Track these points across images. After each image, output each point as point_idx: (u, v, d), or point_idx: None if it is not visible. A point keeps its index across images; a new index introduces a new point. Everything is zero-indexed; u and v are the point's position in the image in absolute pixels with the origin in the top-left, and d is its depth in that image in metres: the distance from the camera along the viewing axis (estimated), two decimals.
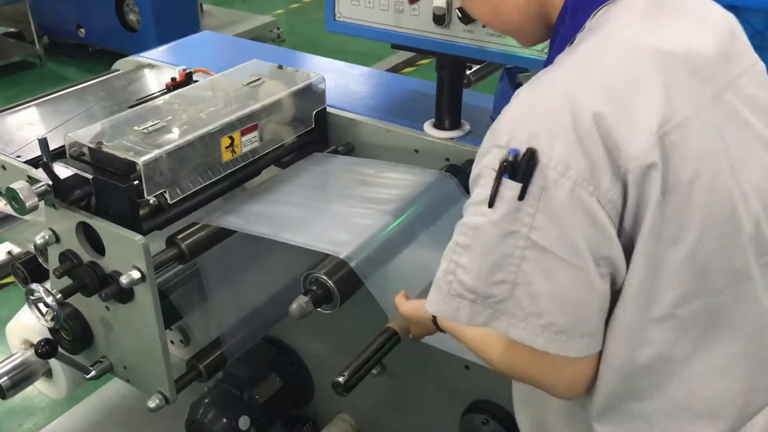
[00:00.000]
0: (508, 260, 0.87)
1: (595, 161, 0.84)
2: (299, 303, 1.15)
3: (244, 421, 2.02)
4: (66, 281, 1.34)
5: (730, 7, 1.77)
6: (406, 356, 1.81)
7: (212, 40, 2.24)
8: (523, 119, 0.88)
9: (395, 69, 5.11)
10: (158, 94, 1.74)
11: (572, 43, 0.94)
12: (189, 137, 1.35)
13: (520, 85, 1.55)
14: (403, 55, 5.24)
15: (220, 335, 1.53)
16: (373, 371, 2.00)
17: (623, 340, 0.90)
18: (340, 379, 1.12)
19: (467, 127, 1.61)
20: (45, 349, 1.34)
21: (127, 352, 1.44)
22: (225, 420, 2.00)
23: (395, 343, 1.21)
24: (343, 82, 1.87)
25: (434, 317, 1.17)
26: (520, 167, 0.84)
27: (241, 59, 2.09)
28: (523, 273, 0.86)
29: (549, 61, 0.98)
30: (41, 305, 1.29)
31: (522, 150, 0.85)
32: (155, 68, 1.94)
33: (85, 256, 1.35)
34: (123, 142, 1.31)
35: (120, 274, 1.29)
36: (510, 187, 0.85)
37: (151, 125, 1.36)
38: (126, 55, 2.03)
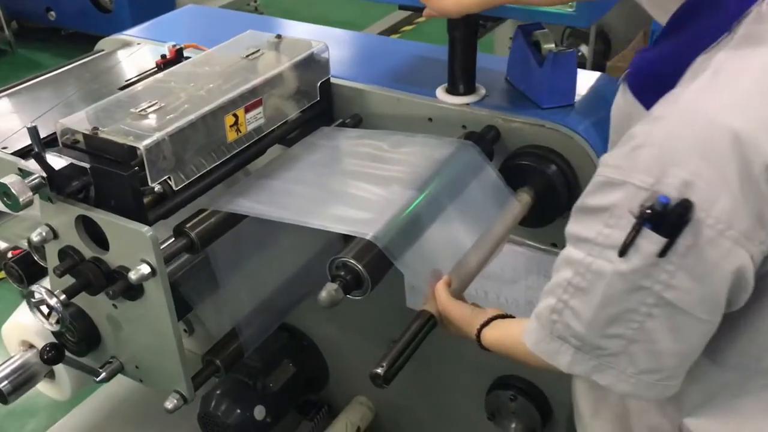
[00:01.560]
0: (630, 315, 0.78)
1: (760, 215, 0.72)
2: (328, 291, 1.06)
3: (259, 411, 1.95)
4: (67, 280, 1.24)
5: None
6: (432, 338, 1.73)
7: (197, 14, 2.12)
8: (675, 158, 0.73)
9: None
10: (150, 72, 1.62)
11: (715, 46, 0.79)
12: (191, 117, 1.24)
13: (537, 44, 1.46)
14: (386, 23, 5.12)
15: (235, 326, 1.44)
16: None
17: (755, 350, 0.84)
18: (379, 371, 1.04)
19: (482, 91, 1.52)
20: (51, 355, 1.25)
21: (139, 351, 1.35)
22: (239, 411, 1.93)
23: (433, 327, 1.13)
24: (343, 49, 1.77)
25: (478, 335, 1.10)
26: (669, 220, 0.72)
27: (230, 32, 1.97)
28: (646, 331, 0.78)
29: (664, 37, 0.87)
30: (44, 307, 1.20)
31: (673, 199, 0.72)
32: (142, 46, 1.82)
33: (87, 252, 1.25)
34: (120, 126, 1.20)
35: (127, 270, 1.19)
36: (652, 241, 0.74)
37: (149, 106, 1.26)
38: (100, 38, 1.91)
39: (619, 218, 0.77)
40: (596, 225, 0.80)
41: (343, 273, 1.09)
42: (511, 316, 1.14)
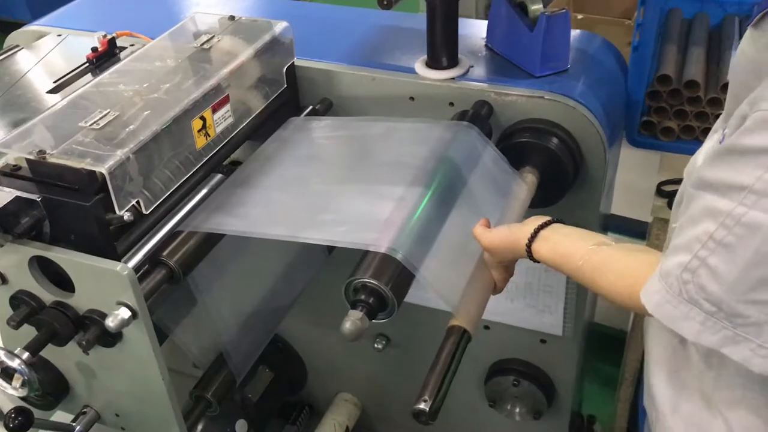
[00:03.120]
0: None
1: None
2: (353, 321, 0.92)
3: (241, 426, 1.80)
4: (24, 331, 1.05)
5: None
6: (414, 325, 1.62)
7: None
8: None
9: None
10: (81, 69, 1.40)
11: None
12: (155, 127, 1.05)
13: (523, 5, 1.33)
14: None
15: (222, 351, 1.28)
16: (377, 345, 1.82)
17: None
18: (423, 406, 0.90)
19: (467, 62, 1.38)
20: (18, 422, 1.06)
21: (118, 397, 1.17)
22: (220, 429, 1.77)
23: (468, 341, 1.00)
24: (300, 24, 1.58)
25: (529, 246, 1.00)
26: None
27: (162, 12, 1.76)
28: None
29: None
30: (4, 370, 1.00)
31: None
32: (64, 37, 1.57)
33: (47, 296, 1.06)
34: (73, 146, 1.00)
35: (101, 314, 1.01)
36: None
37: (101, 117, 1.06)
38: None
39: None
40: (756, 169, 0.69)
41: (363, 297, 0.95)
42: (555, 221, 1.04)
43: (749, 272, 0.70)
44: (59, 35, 1.59)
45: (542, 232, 1.02)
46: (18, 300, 1.07)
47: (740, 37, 1.66)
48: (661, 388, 0.99)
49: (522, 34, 1.32)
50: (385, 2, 1.27)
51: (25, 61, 1.49)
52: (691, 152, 1.59)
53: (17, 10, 4.08)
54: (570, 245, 0.98)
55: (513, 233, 1.04)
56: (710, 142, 0.95)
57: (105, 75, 1.20)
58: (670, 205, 1.56)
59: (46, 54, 1.52)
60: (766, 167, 0.68)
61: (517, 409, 1.70)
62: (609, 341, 2.07)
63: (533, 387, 1.65)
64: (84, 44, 1.45)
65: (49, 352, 1.13)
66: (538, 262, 1.02)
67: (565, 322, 1.56)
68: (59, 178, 0.99)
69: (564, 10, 1.29)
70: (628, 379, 1.78)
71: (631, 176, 1.77)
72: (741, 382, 0.87)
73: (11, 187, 1.01)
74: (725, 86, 1.51)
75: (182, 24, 1.36)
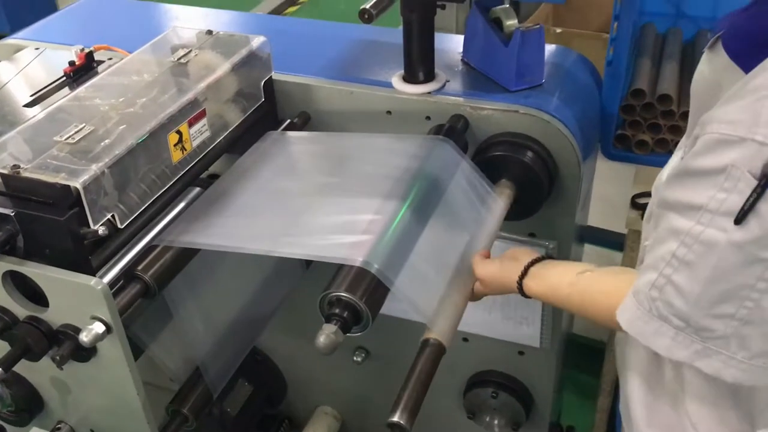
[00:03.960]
0: (745, 292, 0.70)
1: None
2: (327, 334, 0.92)
3: None
4: None
5: None
6: (393, 338, 1.62)
7: (97, 8, 1.87)
8: None
9: (278, 10, 4.75)
10: (59, 83, 1.40)
11: None
12: (130, 141, 1.05)
13: (498, 20, 1.35)
14: None
15: (199, 365, 1.28)
16: (357, 358, 1.82)
17: None
18: (397, 419, 0.91)
19: (443, 76, 1.39)
20: None
21: (93, 413, 1.17)
22: None
23: (442, 353, 1.01)
24: (278, 38, 1.59)
25: (520, 283, 1.03)
26: None
27: (140, 25, 1.77)
28: (763, 309, 0.70)
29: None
30: None
31: None
32: (42, 51, 1.57)
33: (20, 311, 1.05)
34: (48, 160, 1.00)
35: (74, 329, 1.01)
36: None
37: (76, 132, 1.06)
38: None
39: (737, 180, 0.69)
40: (708, 189, 0.72)
41: (338, 310, 0.95)
42: (545, 257, 1.07)
43: (711, 288, 0.73)
44: (37, 48, 1.59)
45: (532, 269, 1.05)
46: None
47: None
48: (635, 399, 1.00)
49: (497, 49, 1.34)
50: (366, 15, 1.28)
51: (2, 74, 1.48)
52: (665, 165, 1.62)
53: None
54: (557, 276, 1.02)
55: (505, 269, 1.07)
56: (675, 159, 0.97)
57: (81, 89, 1.20)
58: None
59: (23, 68, 1.52)
60: (718, 187, 0.71)
61: (496, 421, 1.71)
62: (588, 352, 2.08)
63: (512, 398, 1.65)
64: (62, 58, 1.45)
65: (23, 368, 1.12)
66: (530, 297, 1.05)
67: (543, 334, 1.56)
68: (33, 193, 0.99)
69: (538, 26, 1.30)
70: (606, 390, 1.80)
71: (607, 188, 1.80)
72: (712, 394, 0.89)
73: None
74: None
75: (160, 38, 1.36)
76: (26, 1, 4.28)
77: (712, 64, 0.89)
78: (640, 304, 0.80)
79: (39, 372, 1.13)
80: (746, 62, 0.79)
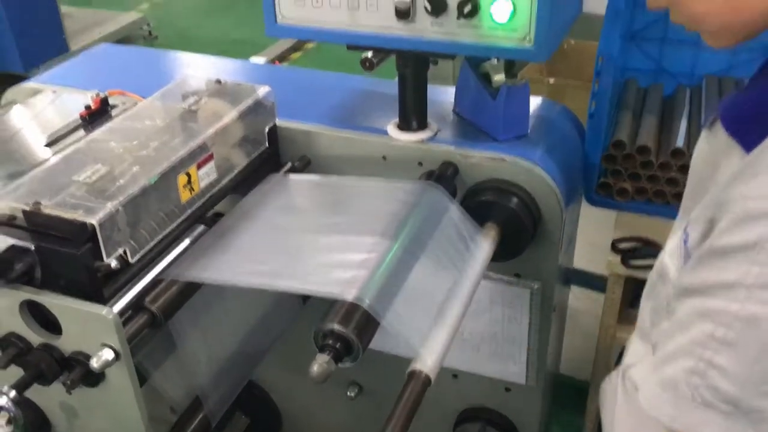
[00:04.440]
0: None
1: None
2: (320, 363, 1.00)
3: None
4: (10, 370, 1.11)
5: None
6: (385, 374, 1.68)
7: (113, 54, 1.98)
8: None
9: (283, 56, 4.90)
10: (75, 126, 1.49)
11: None
12: (143, 182, 1.14)
13: (486, 75, 1.45)
14: (287, 42, 5.02)
15: (199, 393, 1.34)
16: (350, 393, 1.88)
17: None
18: None
19: (435, 126, 1.49)
20: None
21: None
22: None
23: (428, 384, 1.08)
24: (282, 87, 1.69)
25: None
26: None
27: (151, 71, 1.87)
28: None
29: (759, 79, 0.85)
30: None
31: None
32: (59, 95, 1.67)
33: (35, 338, 1.12)
34: (66, 198, 1.09)
35: (85, 355, 1.08)
36: None
37: (93, 172, 1.15)
38: None
39: None
40: (740, 265, 0.71)
41: (331, 341, 1.03)
42: None
43: (758, 365, 0.72)
44: (54, 92, 1.69)
45: None
46: (7, 342, 1.14)
47: (691, 106, 1.79)
48: None
49: (486, 101, 1.44)
50: (368, 63, 1.38)
51: (21, 116, 1.58)
52: (645, 212, 1.72)
53: (10, 62, 4.19)
54: None
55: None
56: (674, 241, 0.98)
57: (98, 132, 1.30)
58: (623, 261, 1.67)
59: (41, 110, 1.62)
60: (751, 261, 0.71)
61: None
62: (573, 391, 2.14)
63: None
64: (77, 101, 1.55)
65: (33, 392, 1.18)
66: None
67: (528, 371, 1.63)
68: (52, 228, 1.07)
69: (524, 82, 1.40)
70: (590, 427, 1.85)
71: (591, 232, 1.88)
72: None
73: (6, 235, 1.09)
74: (675, 151, 1.63)
75: (172, 85, 1.46)
76: (39, 42, 4.44)
77: (711, 144, 0.92)
78: (681, 396, 0.76)
79: (48, 396, 1.20)
80: (744, 138, 0.81)
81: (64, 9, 4.86)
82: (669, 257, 0.95)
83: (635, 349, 1.06)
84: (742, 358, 0.72)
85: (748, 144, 0.79)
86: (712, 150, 0.91)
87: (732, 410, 0.74)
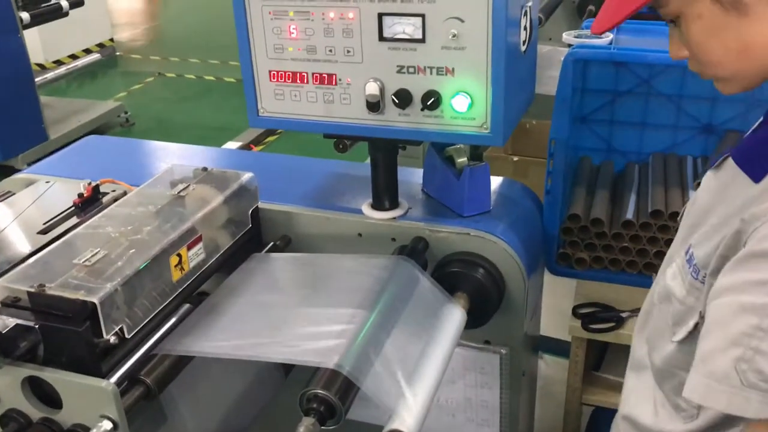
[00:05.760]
0: None
1: None
2: (306, 426, 1.08)
3: None
4: None
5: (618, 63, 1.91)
6: None
7: (98, 145, 2.11)
8: None
9: (258, 139, 5.07)
10: (68, 213, 1.60)
11: None
12: (138, 264, 1.24)
13: (450, 158, 1.59)
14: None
15: None
16: None
17: None
18: None
19: (406, 204, 1.62)
20: None
21: None
22: None
23: None
24: (262, 173, 1.82)
25: None
26: None
27: (142, 162, 2.00)
28: None
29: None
30: None
31: None
32: (51, 184, 1.78)
33: (35, 413, 1.20)
34: (69, 280, 1.18)
35: (84, 427, 1.15)
36: None
37: (92, 256, 1.25)
38: None
39: None
40: None
41: (315, 405, 1.12)
42: None
43: None
44: (47, 182, 1.80)
45: None
46: (8, 418, 1.20)
47: (639, 181, 1.95)
48: None
49: (451, 182, 1.58)
50: (341, 146, 1.52)
51: (18, 204, 1.68)
52: (602, 279, 1.84)
53: None
54: None
55: None
56: (672, 267, 1.09)
57: (95, 219, 1.40)
58: (584, 326, 1.78)
59: (36, 199, 1.72)
60: None
61: None
62: None
63: None
64: (70, 190, 1.66)
65: None
66: None
67: None
68: (55, 308, 1.16)
69: (484, 164, 1.55)
70: None
71: (557, 301, 2.00)
72: None
73: (10, 315, 1.18)
74: (625, 223, 1.77)
75: (162, 174, 1.58)
76: (19, 131, 4.57)
77: (718, 179, 1.05)
78: (729, 383, 0.86)
79: None
80: (752, 170, 0.95)
81: (43, 99, 5.03)
82: (671, 280, 1.08)
83: (629, 385, 1.22)
84: None
85: (757, 174, 0.93)
86: (719, 183, 1.05)
87: None
